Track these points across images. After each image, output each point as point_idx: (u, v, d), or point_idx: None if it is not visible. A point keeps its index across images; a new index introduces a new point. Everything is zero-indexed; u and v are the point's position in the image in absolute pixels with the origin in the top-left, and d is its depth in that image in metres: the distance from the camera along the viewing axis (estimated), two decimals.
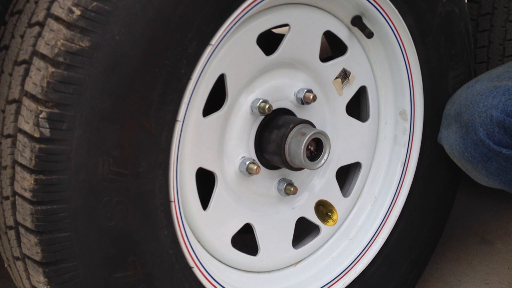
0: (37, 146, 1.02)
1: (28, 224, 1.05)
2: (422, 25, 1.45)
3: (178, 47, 1.10)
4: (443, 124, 1.47)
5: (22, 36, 1.07)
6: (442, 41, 1.50)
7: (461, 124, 1.36)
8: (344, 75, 1.45)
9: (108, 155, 1.06)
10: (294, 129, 1.33)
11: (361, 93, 1.51)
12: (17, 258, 1.11)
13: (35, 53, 1.03)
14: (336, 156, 1.48)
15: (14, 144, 1.05)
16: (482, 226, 2.04)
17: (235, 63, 1.26)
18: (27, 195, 1.04)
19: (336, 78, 1.44)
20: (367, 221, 1.54)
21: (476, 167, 1.37)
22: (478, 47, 1.83)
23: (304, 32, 1.35)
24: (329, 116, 1.46)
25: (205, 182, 1.31)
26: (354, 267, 1.50)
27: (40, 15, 1.04)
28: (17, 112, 1.05)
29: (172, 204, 1.17)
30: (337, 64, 1.44)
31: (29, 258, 1.08)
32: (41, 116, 1.01)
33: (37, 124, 1.01)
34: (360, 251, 1.51)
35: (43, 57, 1.02)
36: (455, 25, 1.51)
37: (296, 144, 1.32)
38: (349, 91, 1.47)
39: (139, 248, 1.13)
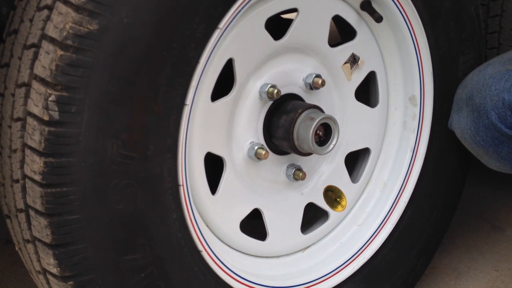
0: (47, 129, 1.03)
1: (38, 206, 1.06)
2: (431, 9, 1.44)
3: (186, 30, 1.10)
4: (454, 108, 1.46)
5: (31, 20, 1.08)
6: (452, 25, 1.48)
7: (473, 108, 1.35)
8: (353, 60, 1.44)
9: (117, 138, 1.06)
10: (303, 114, 1.33)
11: (370, 78, 1.51)
12: (28, 241, 1.12)
13: (44, 36, 1.04)
14: (345, 142, 1.48)
15: (23, 127, 1.06)
16: (493, 213, 2.03)
17: (244, 48, 1.26)
18: (37, 177, 1.05)
19: (345, 63, 1.44)
20: (376, 207, 1.54)
21: (487, 151, 1.36)
22: (489, 33, 1.81)
23: (313, 16, 1.35)
24: (338, 101, 1.45)
25: (214, 167, 1.31)
26: (363, 253, 1.50)
27: None
28: (27, 96, 1.05)
29: (181, 188, 1.17)
30: (346, 49, 1.43)
31: (39, 240, 1.09)
32: (50, 99, 1.02)
33: (46, 107, 1.02)
34: (369, 237, 1.51)
35: (52, 40, 1.03)
36: (465, 9, 1.50)
37: (305, 129, 1.32)
38: (358, 76, 1.46)
39: (148, 231, 1.13)
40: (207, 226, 1.30)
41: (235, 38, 1.24)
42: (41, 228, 1.07)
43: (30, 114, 1.05)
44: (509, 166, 1.37)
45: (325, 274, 1.46)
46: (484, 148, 1.35)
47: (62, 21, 1.02)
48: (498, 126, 1.29)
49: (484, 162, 1.44)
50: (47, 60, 1.02)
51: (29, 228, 1.10)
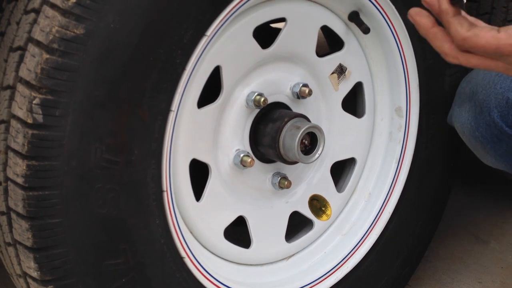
0: (30, 132, 1.02)
1: (20, 209, 1.05)
2: None
3: (174, 36, 1.10)
4: (455, 101, 1.45)
5: (18, 23, 1.08)
6: None
7: (475, 104, 1.34)
8: (341, 71, 1.45)
9: (101, 142, 1.06)
10: (289, 123, 1.34)
11: (357, 89, 1.52)
12: (9, 244, 1.12)
13: (30, 39, 1.04)
14: (331, 151, 1.49)
15: (7, 129, 1.06)
16: (477, 225, 2.05)
17: (231, 56, 1.26)
18: (19, 180, 1.04)
19: (333, 73, 1.44)
20: (360, 216, 1.54)
21: (485, 147, 1.35)
22: None
23: (301, 26, 1.36)
24: (324, 111, 1.46)
25: (199, 173, 1.31)
26: (347, 262, 1.50)
27: (36, 2, 1.05)
28: (11, 98, 1.05)
29: (165, 194, 1.17)
30: (333, 59, 1.44)
31: (20, 243, 1.08)
32: (34, 102, 1.02)
33: (30, 110, 1.02)
34: (353, 247, 1.51)
35: (38, 43, 1.03)
36: None
37: (291, 137, 1.32)
38: (345, 87, 1.47)
39: (130, 236, 1.13)
40: (191, 232, 1.30)
41: (223, 46, 1.24)
42: (22, 231, 1.06)
43: (14, 116, 1.04)
44: (504, 164, 1.36)
45: (309, 283, 1.46)
46: (482, 143, 1.35)
47: (49, 24, 1.02)
48: (500, 124, 1.29)
49: (479, 156, 1.43)
50: (33, 63, 1.02)
51: (10, 231, 1.09)
